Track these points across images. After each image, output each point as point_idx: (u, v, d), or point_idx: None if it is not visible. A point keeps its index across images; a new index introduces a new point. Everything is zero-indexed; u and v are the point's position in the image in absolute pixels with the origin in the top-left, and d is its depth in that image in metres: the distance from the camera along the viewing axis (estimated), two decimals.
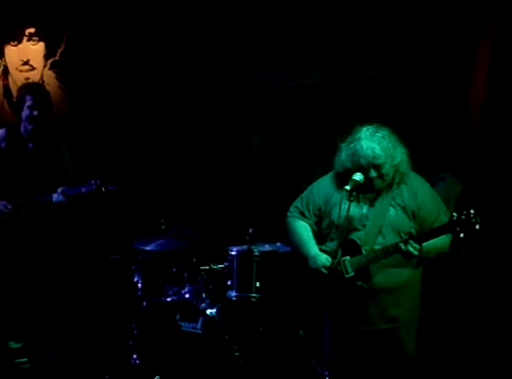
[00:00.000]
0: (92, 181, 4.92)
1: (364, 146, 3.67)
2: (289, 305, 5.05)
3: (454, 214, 3.49)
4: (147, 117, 6.41)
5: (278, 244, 5.16)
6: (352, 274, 3.72)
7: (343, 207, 3.70)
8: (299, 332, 5.03)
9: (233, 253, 4.97)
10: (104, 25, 6.39)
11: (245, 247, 4.99)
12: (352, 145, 3.73)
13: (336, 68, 5.95)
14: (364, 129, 3.75)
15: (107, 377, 4.90)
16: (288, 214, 4.09)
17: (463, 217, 3.44)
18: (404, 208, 3.74)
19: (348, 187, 3.68)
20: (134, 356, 4.86)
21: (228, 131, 6.33)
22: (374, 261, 3.69)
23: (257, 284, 4.90)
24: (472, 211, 3.45)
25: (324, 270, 3.76)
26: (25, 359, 5.16)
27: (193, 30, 6.25)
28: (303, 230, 3.98)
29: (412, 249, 3.57)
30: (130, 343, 4.91)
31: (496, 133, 5.55)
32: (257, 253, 4.93)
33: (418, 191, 3.77)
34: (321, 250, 3.87)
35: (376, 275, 3.73)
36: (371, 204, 3.78)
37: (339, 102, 5.99)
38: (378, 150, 3.66)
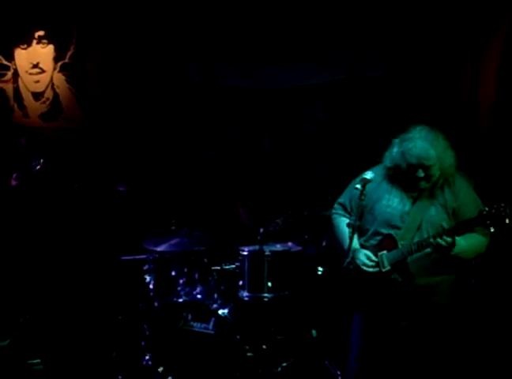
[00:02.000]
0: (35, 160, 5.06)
1: (418, 146, 3.68)
2: (301, 304, 5.06)
3: (485, 208, 3.49)
4: (157, 118, 6.42)
5: (289, 244, 5.16)
6: (388, 268, 3.78)
7: (384, 202, 3.82)
8: (311, 331, 5.03)
9: (244, 253, 4.98)
10: (113, 27, 6.40)
11: (256, 247, 5.00)
12: (405, 143, 3.74)
13: (345, 67, 5.94)
14: (418, 128, 3.77)
15: (119, 377, 4.90)
16: (333, 210, 4.15)
17: (493, 211, 3.44)
18: (444, 207, 3.77)
19: (358, 186, 3.75)
20: (147, 357, 4.88)
21: (237, 131, 6.34)
22: (408, 255, 3.72)
23: (269, 284, 4.91)
24: (502, 204, 3.44)
25: (363, 267, 3.82)
26: (38, 361, 5.19)
27: (201, 31, 6.26)
28: (346, 226, 4.00)
29: (442, 242, 3.57)
30: (143, 343, 4.94)
31: (507, 132, 5.53)
32: (268, 253, 4.93)
33: (460, 192, 3.79)
34: (362, 246, 3.91)
35: (417, 275, 3.77)
36: (414, 202, 3.82)
37: (348, 101, 5.98)
38: (430, 151, 3.68)
